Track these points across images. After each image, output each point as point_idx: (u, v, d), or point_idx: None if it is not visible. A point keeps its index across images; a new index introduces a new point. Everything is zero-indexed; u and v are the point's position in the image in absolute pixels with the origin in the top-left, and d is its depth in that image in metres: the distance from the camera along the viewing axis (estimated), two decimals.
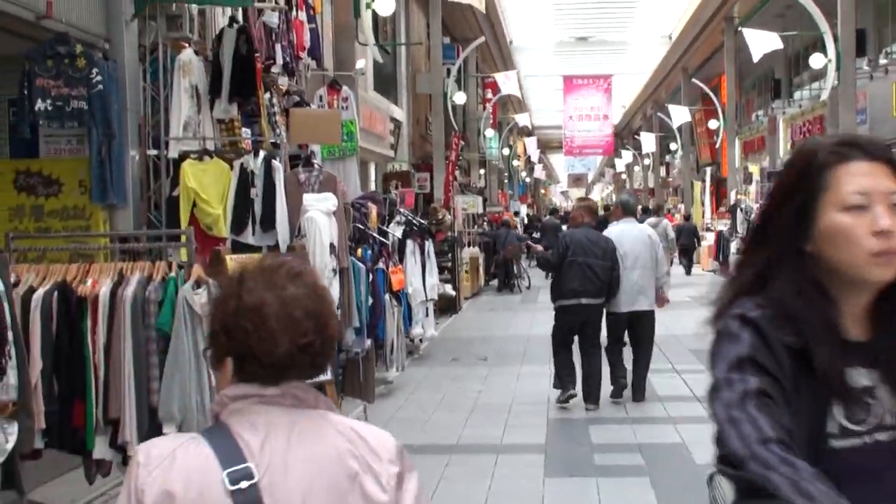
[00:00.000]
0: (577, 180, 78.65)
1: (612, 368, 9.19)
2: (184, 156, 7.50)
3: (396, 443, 1.86)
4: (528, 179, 63.43)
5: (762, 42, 19.17)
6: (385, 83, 20.98)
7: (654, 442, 7.66)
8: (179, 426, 4.91)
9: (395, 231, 12.01)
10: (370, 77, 18.14)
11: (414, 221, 12.20)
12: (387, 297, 9.57)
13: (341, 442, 1.80)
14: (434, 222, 17.39)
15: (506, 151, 45.47)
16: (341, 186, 7.93)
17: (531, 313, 17.43)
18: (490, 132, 34.49)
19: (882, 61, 22.95)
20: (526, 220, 40.50)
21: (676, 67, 39.57)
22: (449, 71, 23.42)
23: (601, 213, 14.50)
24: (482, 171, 37.27)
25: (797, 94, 32.06)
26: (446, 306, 17.50)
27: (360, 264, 8.42)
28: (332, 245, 7.55)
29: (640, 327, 9.25)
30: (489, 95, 35.29)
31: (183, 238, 6.11)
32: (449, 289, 17.36)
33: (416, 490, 1.85)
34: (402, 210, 12.36)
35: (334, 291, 7.60)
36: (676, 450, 7.41)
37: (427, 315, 12.24)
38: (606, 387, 9.11)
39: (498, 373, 11.05)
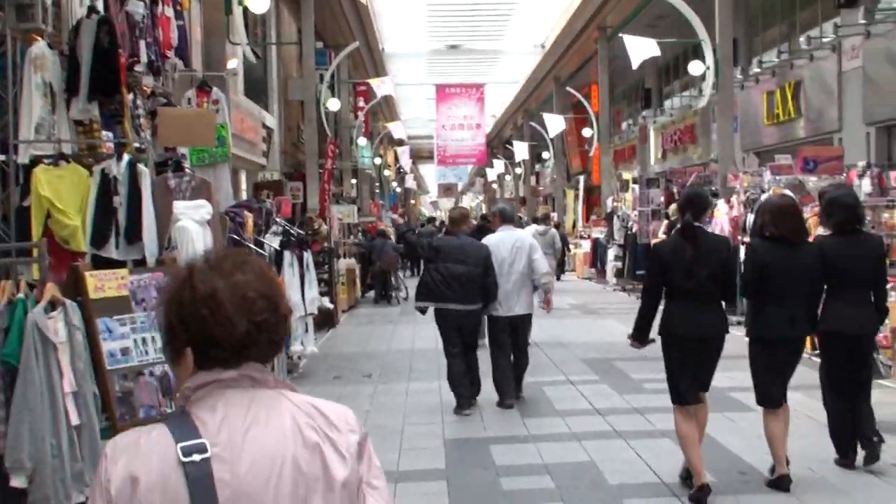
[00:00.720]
0: (447, 190, 78.50)
1: (497, 384, 9.39)
2: (36, 161, 6.67)
3: (354, 416, 1.94)
4: (398, 189, 63.00)
5: (640, 49, 19.13)
6: (256, 88, 20.14)
7: (561, 461, 7.16)
8: (31, 477, 4.13)
9: (272, 242, 11.29)
10: (241, 81, 17.32)
11: (292, 231, 11.47)
12: None
13: (300, 416, 1.87)
14: (310, 232, 16.68)
15: (377, 161, 44.90)
16: (215, 194, 7.18)
17: (412, 326, 16.80)
18: (363, 141, 33.88)
19: (754, 70, 23.33)
20: (402, 231, 39.98)
21: (549, 76, 39.75)
22: (322, 77, 22.70)
23: (479, 222, 14.30)
24: (354, 181, 36.61)
25: (668, 104, 32.52)
26: (323, 320, 16.78)
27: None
28: None
29: (517, 330, 9.47)
30: (361, 104, 34.70)
31: (35, 252, 5.32)
32: (326, 302, 16.65)
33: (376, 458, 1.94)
34: (278, 220, 11.62)
35: None
36: (586, 470, 6.94)
37: (307, 331, 11.54)
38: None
39: (385, 391, 10.43)
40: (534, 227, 11.90)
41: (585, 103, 34.13)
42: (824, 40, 19.67)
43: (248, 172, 19.56)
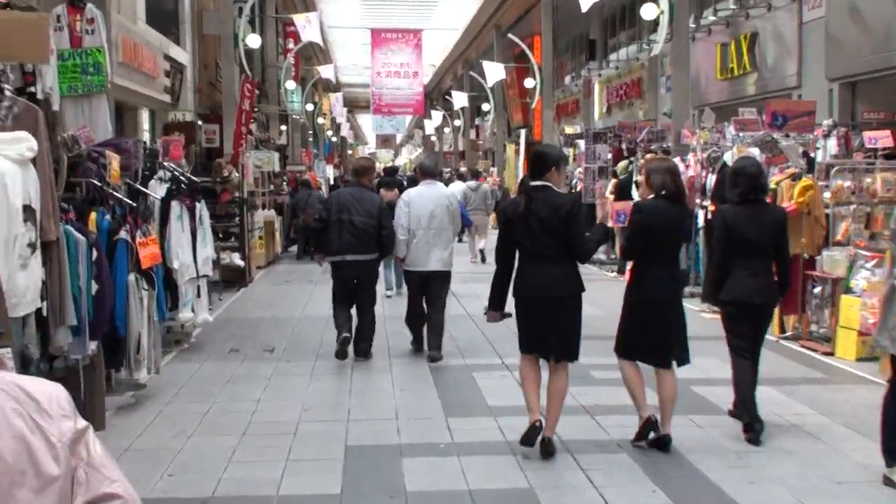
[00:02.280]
0: (385, 141, 76.57)
1: (409, 329, 9.62)
2: None
3: (68, 396, 1.72)
4: (334, 139, 60.88)
5: None
6: (163, 18, 18.11)
7: (493, 488, 5.53)
8: None
9: (157, 190, 9.51)
10: (141, 7, 15.35)
11: (182, 178, 9.69)
12: (131, 278, 7.14)
13: (5, 401, 1.64)
14: (219, 180, 14.91)
15: (311, 108, 42.81)
16: (42, 124, 5.42)
17: None
18: (291, 84, 31.79)
19: (708, 19, 21.81)
20: (332, 182, 38.14)
21: (489, 24, 37.97)
22: (241, 10, 20.67)
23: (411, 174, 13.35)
24: (284, 128, 34.60)
25: (613, 57, 30.98)
26: (233, 278, 15.06)
27: (79, 235, 5.92)
28: (27, 207, 5.10)
29: (433, 287, 9.36)
30: (291, 45, 32.61)
31: None
32: (236, 258, 14.95)
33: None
34: (166, 164, 9.83)
35: (33, 274, 5.17)
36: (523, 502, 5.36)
37: (199, 295, 9.81)
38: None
39: (286, 371, 8.77)
40: (460, 184, 10.75)
41: (528, 52, 32.43)
42: None
43: (155, 112, 17.60)
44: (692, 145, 14.25)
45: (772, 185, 10.55)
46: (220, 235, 14.99)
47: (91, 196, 7.27)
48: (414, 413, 7.14)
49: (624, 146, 17.79)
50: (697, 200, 13.72)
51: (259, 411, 7.21)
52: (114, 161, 7.31)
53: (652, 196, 6.23)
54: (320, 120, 48.20)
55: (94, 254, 5.79)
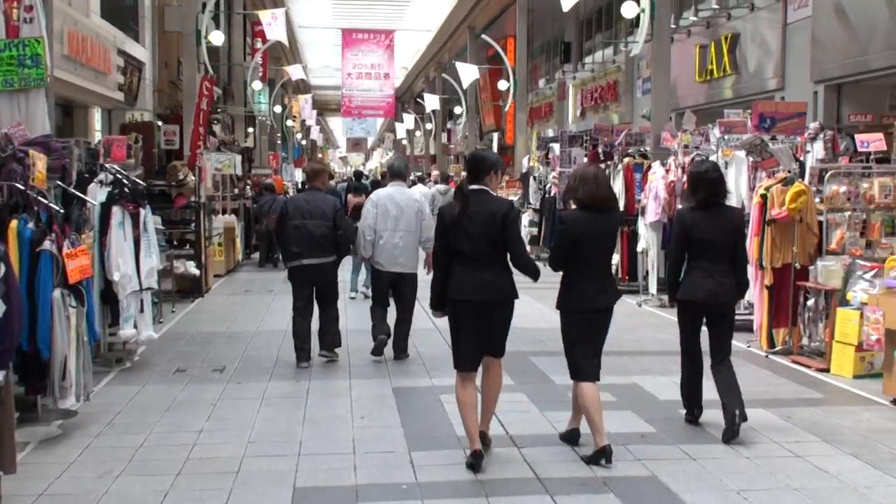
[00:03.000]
0: (356, 145, 75.75)
1: (372, 326, 9.48)
2: None
3: None
4: (304, 142, 59.99)
5: None
6: (120, 13, 17.24)
7: None
8: None
9: (97, 194, 8.70)
10: (95, 0, 14.50)
11: (124, 182, 8.87)
12: (56, 293, 6.32)
13: None
14: (174, 184, 14.08)
15: (279, 110, 41.91)
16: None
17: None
18: (258, 84, 30.93)
19: (689, 19, 21.20)
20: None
21: (463, 26, 37.34)
22: (204, 6, 19.79)
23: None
24: (251, 130, 33.72)
25: (589, 59, 30.34)
26: (189, 288, 14.22)
27: None
28: None
29: (401, 287, 9.42)
30: (259, 45, 31.75)
31: None
32: (191, 267, 14.10)
33: None
34: (108, 166, 9.00)
35: None
36: None
37: (142, 310, 8.98)
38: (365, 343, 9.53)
39: (235, 394, 7.96)
40: (422, 188, 10.35)
41: (502, 54, 31.73)
42: None
43: (110, 112, 16.71)
44: (673, 148, 13.56)
45: (761, 191, 9.89)
46: (175, 242, 14.18)
47: (14, 201, 6.47)
48: (374, 446, 6.36)
49: (600, 150, 17.08)
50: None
51: (199, 444, 6.40)
52: (38, 162, 6.50)
53: (574, 207, 6.26)
54: (289, 122, 47.31)
55: (2, 269, 4.98)
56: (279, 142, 43.64)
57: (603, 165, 16.43)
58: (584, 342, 6.14)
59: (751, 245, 10.01)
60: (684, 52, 21.12)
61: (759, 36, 18.50)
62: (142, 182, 12.00)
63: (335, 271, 9.39)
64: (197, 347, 10.16)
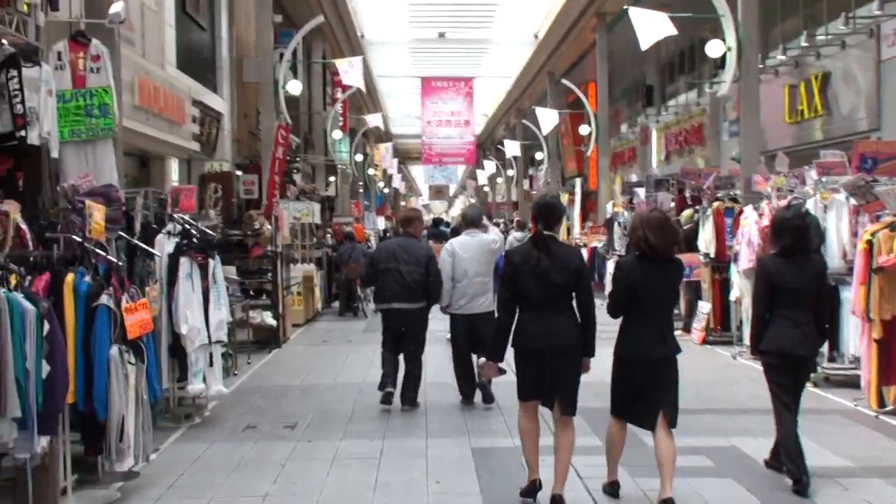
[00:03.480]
0: (438, 192, 75.69)
1: (457, 379, 9.65)
2: None
3: None
4: (386, 190, 60.14)
5: (651, 26, 16.21)
6: (197, 65, 17.27)
7: None
8: None
9: (165, 245, 8.44)
10: (171, 51, 14.47)
11: (193, 231, 8.60)
12: (114, 350, 6.00)
13: None
14: (250, 233, 13.88)
15: (360, 158, 42.00)
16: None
17: (372, 346, 13.91)
18: (338, 133, 30.92)
19: (776, 59, 20.51)
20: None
21: (542, 71, 36.98)
22: (282, 56, 19.77)
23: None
24: (332, 179, 33.73)
25: (672, 102, 29.71)
26: (266, 338, 13.95)
27: (27, 304, 4.79)
28: None
29: (479, 328, 9.23)
30: (339, 94, 31.82)
31: None
32: (268, 317, 13.82)
33: None
34: (176, 216, 8.75)
35: None
36: None
37: (211, 364, 8.67)
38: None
39: (305, 454, 7.55)
40: (495, 231, 10.23)
41: (583, 98, 31.27)
42: (859, 23, 16.86)
43: (189, 162, 16.67)
44: (766, 192, 12.91)
45: (867, 237, 9.21)
46: (252, 292, 13.95)
47: (70, 254, 6.19)
48: None
49: (688, 194, 16.47)
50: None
51: None
52: (96, 212, 6.22)
53: (636, 253, 6.16)
54: (371, 171, 47.42)
55: (46, 327, 4.64)
56: (361, 190, 43.69)
57: (691, 210, 15.85)
58: (633, 393, 6.05)
59: (856, 295, 9.33)
60: (772, 93, 20.38)
61: (852, 74, 17.74)
62: (212, 232, 11.85)
63: (425, 317, 9.52)
64: (270, 402, 9.80)
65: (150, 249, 7.87)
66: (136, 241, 7.61)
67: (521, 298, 5.93)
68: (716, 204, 14.55)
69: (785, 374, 6.61)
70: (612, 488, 6.24)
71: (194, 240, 8.54)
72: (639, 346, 5.97)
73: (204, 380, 8.57)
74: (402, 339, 9.43)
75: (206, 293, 8.57)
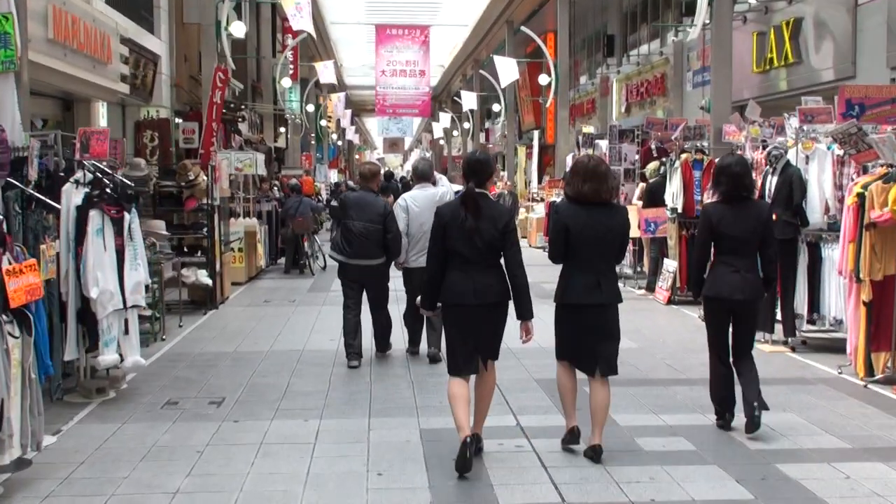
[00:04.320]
0: (393, 145, 74.36)
1: (408, 331, 9.71)
2: None
3: None
4: (339, 143, 58.79)
5: None
6: (133, 2, 15.99)
7: None
8: None
9: (73, 196, 7.38)
10: None
11: (105, 180, 7.54)
12: None
13: None
14: (184, 184, 12.78)
15: (312, 109, 40.67)
16: None
17: (317, 308, 13.03)
18: (287, 82, 29.63)
19: (743, 6, 19.59)
20: (333, 187, 36.02)
21: (501, 20, 35.86)
22: None
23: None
24: (283, 130, 32.49)
25: (633, 52, 28.77)
26: (201, 299, 12.93)
27: None
28: None
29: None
30: (290, 41, 30.49)
31: None
32: (203, 276, 12.77)
33: None
34: (87, 163, 7.67)
35: None
36: None
37: (127, 332, 7.65)
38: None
39: (229, 437, 6.57)
40: (444, 185, 9.67)
41: (543, 48, 30.24)
42: None
43: (115, 106, 15.43)
44: (740, 143, 12.05)
45: (857, 189, 8.37)
46: (186, 249, 12.88)
47: None
48: None
49: (653, 145, 15.59)
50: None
51: None
52: None
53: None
54: (323, 122, 46.07)
55: None
56: (313, 142, 42.39)
57: (657, 163, 14.97)
58: (571, 338, 6.09)
59: (843, 254, 8.51)
60: (740, 41, 19.47)
61: (826, 21, 16.88)
62: (141, 183, 10.77)
63: (385, 272, 9.37)
64: (197, 373, 8.79)
65: (48, 200, 6.81)
66: (31, 191, 6.54)
67: (451, 254, 5.90)
68: (684, 156, 13.70)
69: (723, 318, 6.63)
70: (571, 436, 6.12)
71: (107, 190, 7.47)
72: (574, 292, 6.01)
73: (119, 350, 7.56)
74: (367, 299, 9.37)
75: (120, 252, 7.52)
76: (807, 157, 10.04)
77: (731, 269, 6.52)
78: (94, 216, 7.32)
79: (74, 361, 7.65)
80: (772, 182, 10.00)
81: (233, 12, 19.48)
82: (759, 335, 9.75)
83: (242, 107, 22.52)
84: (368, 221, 9.08)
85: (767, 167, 10.20)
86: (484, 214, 5.84)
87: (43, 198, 6.74)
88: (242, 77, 26.48)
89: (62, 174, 7.62)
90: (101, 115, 14.26)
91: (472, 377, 5.97)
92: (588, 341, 6.01)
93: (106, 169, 7.84)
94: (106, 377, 7.87)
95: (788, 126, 10.66)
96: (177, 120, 18.12)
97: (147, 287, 8.19)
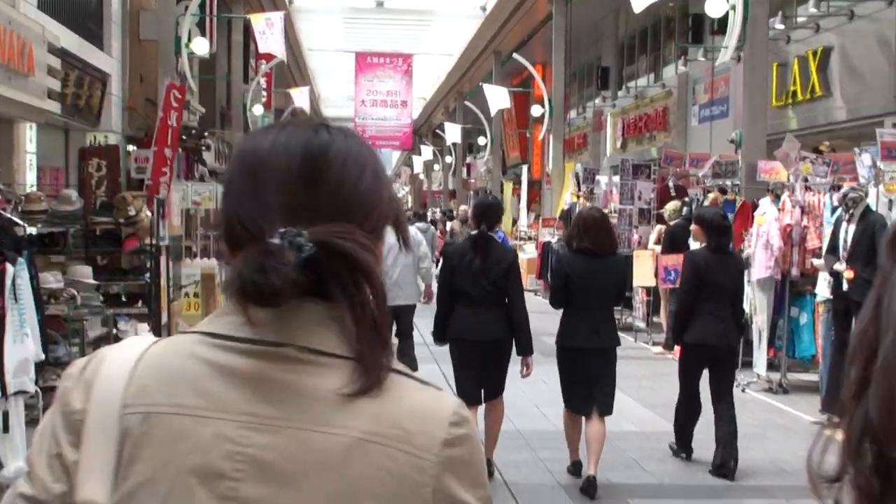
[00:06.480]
0: None
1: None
2: None
3: None
4: None
5: None
6: (78, 13, 13.98)
7: None
8: None
9: None
10: None
11: None
12: None
13: None
14: (122, 221, 10.70)
15: None
16: None
17: None
18: (259, 109, 27.64)
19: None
20: None
21: (488, 49, 34.07)
22: (186, 8, 16.49)
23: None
24: None
25: (631, 84, 27.10)
26: None
27: None
28: None
29: (402, 322, 9.90)
30: (263, 66, 28.55)
31: None
32: (143, 330, 10.65)
33: None
34: None
35: None
36: None
37: (6, 430, 5.54)
38: None
39: None
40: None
41: (537, 77, 28.54)
42: None
43: (51, 129, 13.34)
44: (789, 183, 10.15)
45: None
46: (125, 298, 10.79)
47: None
48: None
49: (670, 183, 13.69)
50: (797, 257, 9.67)
51: None
52: None
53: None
54: None
55: None
56: None
57: (678, 202, 13.04)
58: (572, 381, 6.49)
59: None
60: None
61: (860, 50, 15.14)
62: (70, 219, 8.77)
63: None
64: None
65: None
66: None
67: (459, 293, 6.42)
68: (711, 195, 11.82)
69: (703, 365, 6.98)
70: (574, 468, 6.67)
71: None
72: (573, 337, 6.43)
73: None
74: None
75: (0, 318, 5.45)
76: (890, 200, 8.13)
77: (715, 317, 6.79)
78: None
79: None
80: (848, 231, 8.07)
81: (195, 28, 17.47)
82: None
83: (206, 134, 20.49)
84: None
85: (841, 212, 8.27)
86: (492, 256, 6.37)
87: None
88: (209, 101, 24.48)
89: None
90: (30, 139, 12.13)
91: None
92: (586, 382, 6.41)
93: None
94: None
95: (860, 163, 8.75)
96: (129, 147, 16.07)
97: (39, 365, 6.06)
